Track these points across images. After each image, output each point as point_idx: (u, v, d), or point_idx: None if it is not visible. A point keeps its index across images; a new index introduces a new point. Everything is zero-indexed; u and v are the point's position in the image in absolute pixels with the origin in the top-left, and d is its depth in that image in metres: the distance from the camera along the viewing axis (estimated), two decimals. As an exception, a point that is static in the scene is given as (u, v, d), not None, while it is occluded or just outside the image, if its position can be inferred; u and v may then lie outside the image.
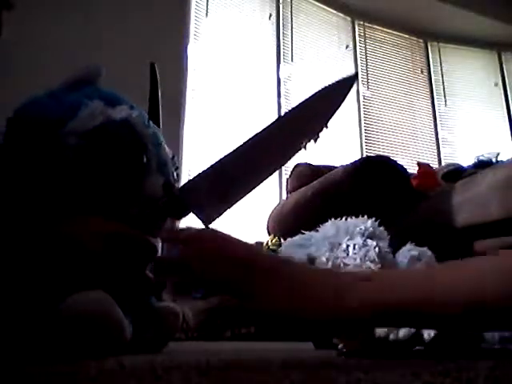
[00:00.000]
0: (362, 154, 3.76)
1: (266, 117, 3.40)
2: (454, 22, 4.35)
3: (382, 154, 3.64)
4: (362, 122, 3.91)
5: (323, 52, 3.90)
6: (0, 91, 2.09)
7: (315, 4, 3.92)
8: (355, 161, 1.97)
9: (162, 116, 0.95)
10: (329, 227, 0.81)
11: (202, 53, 3.20)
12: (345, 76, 0.68)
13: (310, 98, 0.67)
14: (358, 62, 4.09)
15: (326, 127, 0.66)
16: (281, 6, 3.72)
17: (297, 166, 2.62)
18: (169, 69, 2.33)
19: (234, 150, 0.67)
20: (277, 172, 3.06)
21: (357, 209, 1.93)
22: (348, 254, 0.76)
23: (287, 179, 2.68)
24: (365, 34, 4.21)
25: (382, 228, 0.82)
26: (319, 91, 0.66)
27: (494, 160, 2.21)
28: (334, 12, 4.04)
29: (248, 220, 2.88)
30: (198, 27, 3.21)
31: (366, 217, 0.83)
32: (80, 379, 0.39)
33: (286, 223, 2.41)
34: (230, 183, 0.66)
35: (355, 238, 0.77)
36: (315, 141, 0.66)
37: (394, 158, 1.97)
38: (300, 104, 0.68)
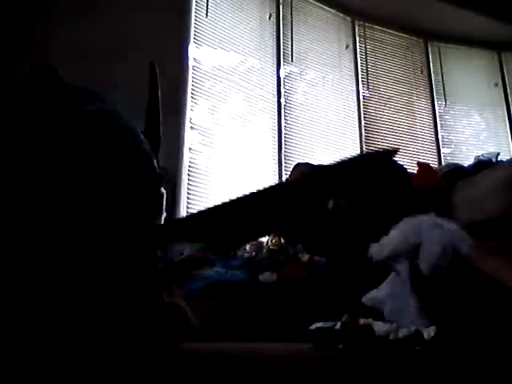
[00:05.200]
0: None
1: (265, 117, 3.40)
2: (454, 22, 4.35)
3: (381, 153, 3.64)
4: (362, 121, 3.91)
5: (323, 52, 3.90)
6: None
7: (315, 4, 3.92)
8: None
9: (161, 116, 0.95)
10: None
11: (202, 53, 3.20)
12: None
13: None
14: (358, 62, 4.09)
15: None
16: (281, 6, 3.72)
17: (297, 165, 2.62)
18: (169, 69, 2.33)
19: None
20: (277, 172, 3.07)
21: (357, 208, 1.93)
22: None
23: (287, 179, 2.68)
24: (365, 33, 4.21)
25: None
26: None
27: (493, 160, 2.21)
28: (334, 12, 4.04)
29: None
30: (197, 27, 3.21)
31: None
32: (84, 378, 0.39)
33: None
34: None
35: None
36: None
37: (394, 158, 1.97)
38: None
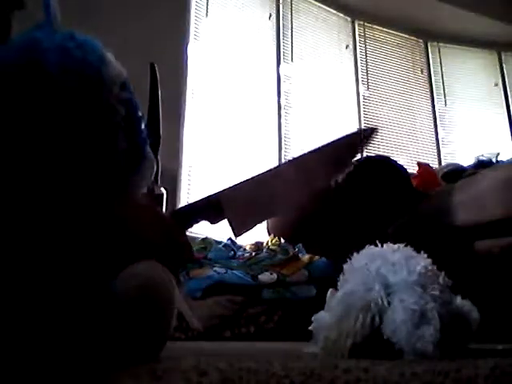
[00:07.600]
0: (362, 154, 3.76)
1: (265, 117, 3.40)
2: (454, 22, 4.35)
3: (381, 153, 3.64)
4: (362, 121, 3.91)
5: (323, 52, 3.90)
6: None
7: (315, 4, 3.92)
8: (355, 161, 1.96)
9: (161, 116, 0.95)
10: None
11: (202, 53, 3.19)
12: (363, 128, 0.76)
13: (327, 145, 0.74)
14: (358, 61, 4.09)
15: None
16: (281, 5, 3.72)
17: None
18: (169, 69, 2.33)
19: (267, 172, 0.74)
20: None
21: (357, 209, 1.94)
22: None
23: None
24: (365, 34, 4.21)
25: None
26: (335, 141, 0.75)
27: (493, 160, 2.21)
28: (334, 12, 4.04)
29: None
30: (197, 27, 3.21)
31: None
32: (78, 380, 0.39)
33: (286, 223, 2.41)
34: (267, 200, 0.70)
35: None
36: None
37: (394, 158, 1.97)
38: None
